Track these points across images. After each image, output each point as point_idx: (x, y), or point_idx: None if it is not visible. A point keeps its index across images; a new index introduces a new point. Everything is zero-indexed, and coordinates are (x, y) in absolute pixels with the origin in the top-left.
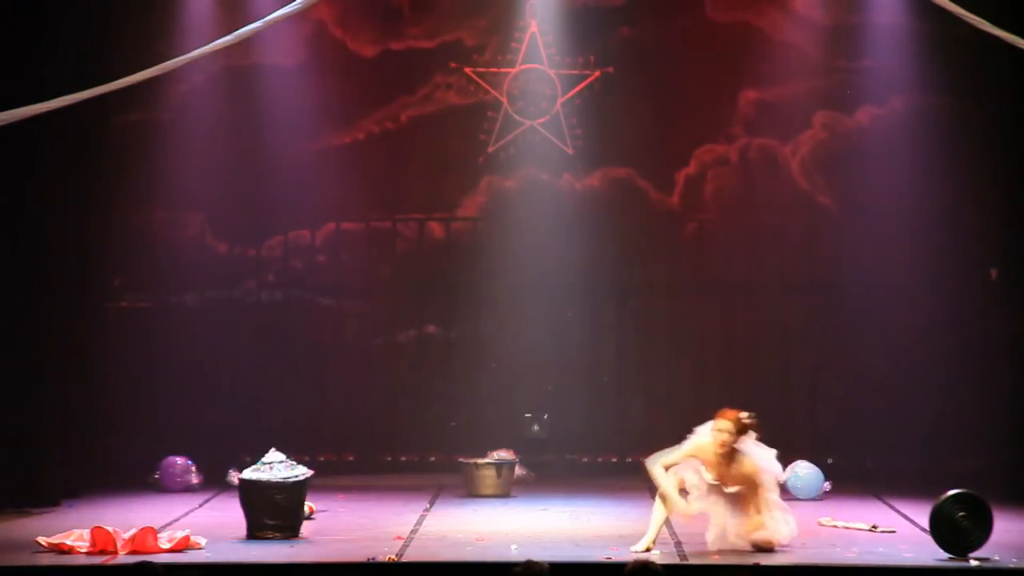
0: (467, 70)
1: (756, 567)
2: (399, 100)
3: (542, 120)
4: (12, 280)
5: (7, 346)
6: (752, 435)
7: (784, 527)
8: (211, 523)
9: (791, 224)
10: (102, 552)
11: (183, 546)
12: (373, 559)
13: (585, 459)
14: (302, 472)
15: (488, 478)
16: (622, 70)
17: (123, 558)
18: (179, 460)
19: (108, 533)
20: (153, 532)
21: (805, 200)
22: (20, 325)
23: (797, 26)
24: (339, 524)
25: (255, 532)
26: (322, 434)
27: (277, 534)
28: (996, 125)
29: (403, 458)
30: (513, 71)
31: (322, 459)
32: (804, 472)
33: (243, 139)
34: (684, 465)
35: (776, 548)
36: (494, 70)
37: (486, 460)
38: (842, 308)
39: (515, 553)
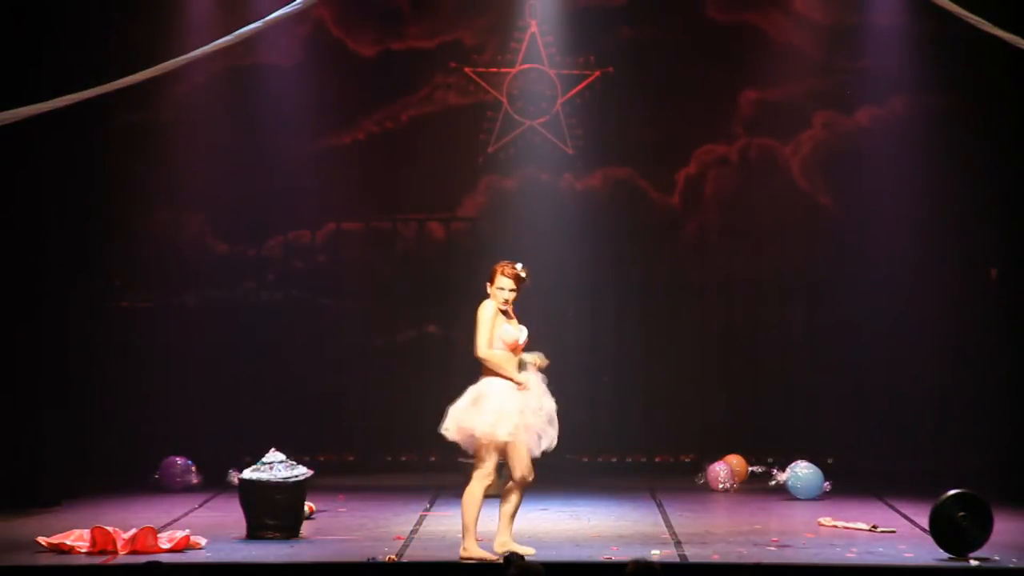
0: (467, 70)
1: (756, 567)
2: (399, 100)
3: (542, 120)
4: (12, 280)
5: (7, 346)
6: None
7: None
8: (211, 523)
9: (791, 224)
10: (102, 552)
11: (183, 546)
12: (373, 559)
13: (585, 459)
14: (302, 472)
15: None
16: (622, 70)
17: (123, 558)
18: (179, 460)
19: (108, 533)
20: (153, 532)
21: (805, 200)
22: (20, 325)
23: (797, 26)
24: (339, 524)
25: (255, 532)
26: (322, 434)
27: (277, 534)
28: (996, 125)
29: (403, 458)
30: (513, 71)
31: (322, 459)
32: (804, 472)
33: (243, 139)
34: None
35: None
36: (494, 70)
37: None
38: (842, 308)
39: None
